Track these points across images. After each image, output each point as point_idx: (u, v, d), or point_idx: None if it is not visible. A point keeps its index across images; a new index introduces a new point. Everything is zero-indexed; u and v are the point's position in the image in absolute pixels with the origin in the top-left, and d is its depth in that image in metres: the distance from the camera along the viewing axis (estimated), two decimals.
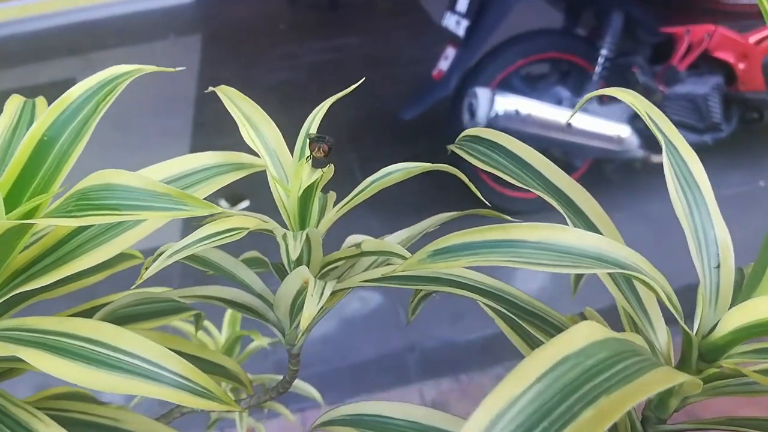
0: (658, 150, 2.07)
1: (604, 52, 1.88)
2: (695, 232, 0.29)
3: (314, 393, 0.82)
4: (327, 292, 0.31)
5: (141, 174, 0.30)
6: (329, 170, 0.36)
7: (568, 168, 2.00)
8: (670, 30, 1.87)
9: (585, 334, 0.18)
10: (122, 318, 0.38)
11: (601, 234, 0.31)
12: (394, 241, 0.40)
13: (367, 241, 0.36)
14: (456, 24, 1.87)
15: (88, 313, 0.37)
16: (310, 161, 0.37)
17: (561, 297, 1.77)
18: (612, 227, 0.32)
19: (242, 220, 0.33)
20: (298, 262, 0.35)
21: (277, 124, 0.43)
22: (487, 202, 0.42)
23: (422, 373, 1.63)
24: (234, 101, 0.42)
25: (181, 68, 0.38)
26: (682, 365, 0.27)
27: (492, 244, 0.25)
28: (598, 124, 1.89)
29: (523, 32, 1.89)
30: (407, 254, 0.36)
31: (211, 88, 0.43)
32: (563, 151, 1.93)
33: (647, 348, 0.21)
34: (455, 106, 1.85)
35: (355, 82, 0.43)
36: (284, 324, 0.38)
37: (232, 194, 2.16)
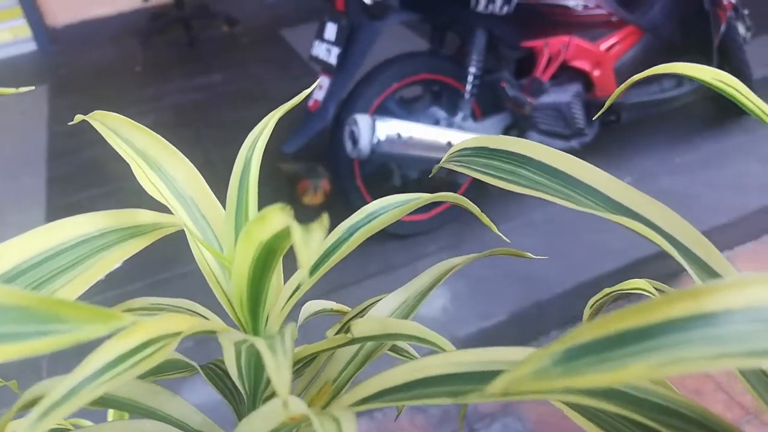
0: None
1: (472, 70, 1.91)
2: None
3: None
4: None
5: None
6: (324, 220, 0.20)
7: (452, 186, 2.01)
8: (530, 44, 1.95)
9: None
10: None
11: (717, 274, 0.22)
12: (389, 307, 0.29)
13: (362, 322, 0.25)
14: (327, 52, 1.84)
15: None
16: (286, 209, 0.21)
17: (464, 316, 1.76)
18: (726, 263, 0.22)
19: (167, 323, 0.20)
20: (257, 368, 0.23)
21: None
22: (506, 239, 0.33)
23: None
24: (117, 132, 0.30)
25: (13, 90, 0.29)
26: None
27: (675, 327, 0.13)
28: None
29: (393, 56, 1.89)
30: (441, 341, 0.25)
31: (81, 117, 0.31)
32: (446, 170, 1.94)
33: None
34: (335, 136, 1.81)
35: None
36: None
37: None
